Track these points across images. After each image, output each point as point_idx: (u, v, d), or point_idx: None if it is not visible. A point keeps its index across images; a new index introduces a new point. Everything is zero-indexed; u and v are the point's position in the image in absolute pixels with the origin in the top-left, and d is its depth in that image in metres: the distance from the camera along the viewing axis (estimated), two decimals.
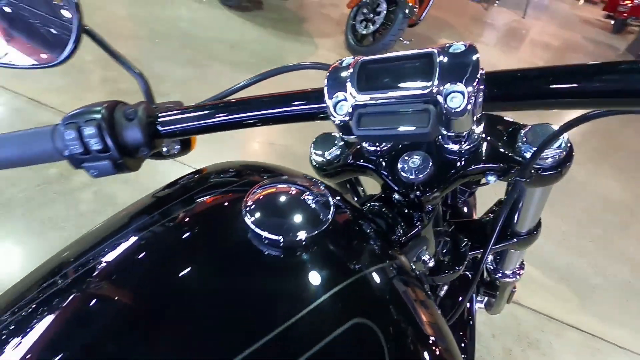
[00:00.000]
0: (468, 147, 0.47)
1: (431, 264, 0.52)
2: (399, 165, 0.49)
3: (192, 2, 3.60)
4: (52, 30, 0.44)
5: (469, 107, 0.31)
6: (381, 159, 0.52)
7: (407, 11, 3.36)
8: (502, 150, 0.47)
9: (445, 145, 0.48)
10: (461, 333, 0.85)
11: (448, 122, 0.32)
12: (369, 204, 0.53)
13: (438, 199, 0.52)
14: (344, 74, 0.35)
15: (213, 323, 0.28)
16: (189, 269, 0.32)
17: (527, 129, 0.46)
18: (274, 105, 0.42)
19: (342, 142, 0.57)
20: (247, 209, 0.35)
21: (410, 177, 0.48)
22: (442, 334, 0.37)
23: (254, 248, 0.33)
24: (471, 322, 0.87)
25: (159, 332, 0.28)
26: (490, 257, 0.83)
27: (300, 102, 0.41)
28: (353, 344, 0.30)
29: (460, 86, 0.30)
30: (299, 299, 0.31)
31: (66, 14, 0.42)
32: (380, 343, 0.30)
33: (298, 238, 0.33)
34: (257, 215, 0.34)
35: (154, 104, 0.46)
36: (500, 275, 0.83)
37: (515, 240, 0.65)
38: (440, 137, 0.48)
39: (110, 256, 0.35)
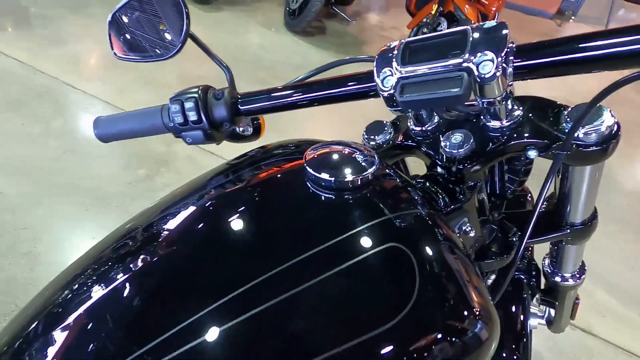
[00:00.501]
0: (509, 124, 0.49)
1: (472, 234, 0.54)
2: (442, 143, 0.52)
3: (262, 29, 3.95)
4: (167, 34, 0.59)
5: (498, 73, 0.36)
6: (426, 139, 0.56)
7: None
8: (543, 126, 0.48)
9: (487, 124, 0.50)
10: (513, 346, 0.79)
11: (481, 88, 0.38)
12: (414, 180, 0.57)
13: (480, 173, 0.54)
14: (390, 54, 0.43)
15: (289, 237, 0.39)
16: (268, 206, 0.43)
17: (570, 108, 0.46)
18: (331, 87, 0.52)
19: (392, 128, 0.61)
20: (308, 160, 0.44)
21: (453, 151, 0.50)
22: (471, 274, 0.43)
23: (314, 189, 0.42)
24: (525, 339, 0.80)
25: (253, 249, 0.39)
26: (547, 261, 0.79)
27: (353, 83, 0.51)
28: (388, 260, 0.38)
29: (489, 55, 0.36)
30: (345, 224, 0.39)
31: (176, 21, 0.57)
32: (413, 265, 0.38)
33: (346, 180, 0.41)
34: (315, 164, 0.43)
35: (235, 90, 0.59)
36: (559, 278, 0.77)
37: (568, 231, 0.63)
38: (482, 116, 0.50)
39: (203, 202, 0.47)
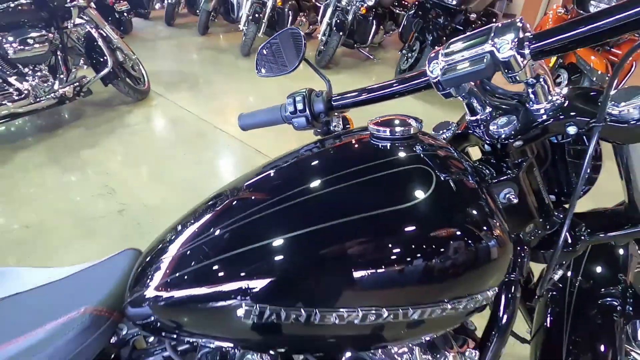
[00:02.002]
0: (550, 106, 0.55)
1: (515, 200, 0.60)
2: (491, 127, 0.59)
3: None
4: (288, 56, 0.89)
5: (514, 52, 0.47)
6: (479, 126, 0.62)
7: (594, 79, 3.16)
8: (581, 106, 0.53)
9: (530, 108, 0.56)
10: None
11: (504, 64, 0.49)
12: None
13: (525, 151, 0.60)
14: (435, 52, 0.58)
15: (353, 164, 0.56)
16: (345, 150, 0.62)
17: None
18: (395, 85, 0.73)
19: (455, 125, 0.69)
20: (372, 122, 0.60)
21: (498, 130, 0.57)
22: (490, 204, 0.55)
23: (375, 141, 0.59)
24: None
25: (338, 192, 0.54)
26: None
27: (411, 81, 0.70)
28: (414, 174, 0.54)
29: (507, 39, 0.48)
30: (388, 156, 0.56)
31: (294, 50, 0.87)
32: (432, 180, 0.53)
33: (398, 135, 0.58)
34: (376, 124, 0.59)
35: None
36: None
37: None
38: (526, 103, 0.57)
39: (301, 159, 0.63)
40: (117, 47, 3.26)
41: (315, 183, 0.55)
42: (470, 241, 0.52)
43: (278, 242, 0.51)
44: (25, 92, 2.73)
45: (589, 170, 0.62)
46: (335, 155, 0.62)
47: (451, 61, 0.54)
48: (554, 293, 0.80)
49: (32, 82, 2.77)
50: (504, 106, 0.60)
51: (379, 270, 0.49)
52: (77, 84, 3.03)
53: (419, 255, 0.50)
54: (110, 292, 0.58)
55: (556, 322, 0.77)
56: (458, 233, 0.51)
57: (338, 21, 4.32)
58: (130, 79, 3.46)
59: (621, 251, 0.83)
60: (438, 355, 0.62)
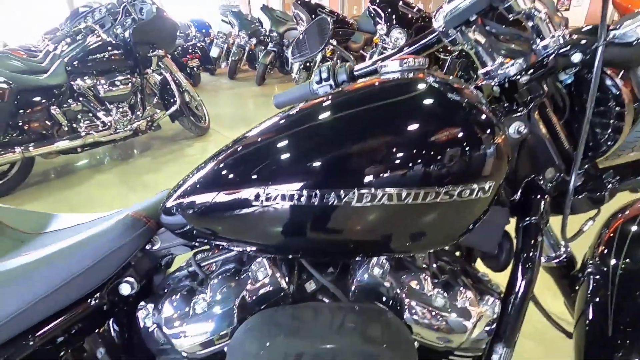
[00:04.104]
0: (554, 43, 0.57)
1: (525, 131, 0.61)
2: (500, 71, 0.61)
3: None
4: (316, 42, 1.07)
5: None
6: (493, 76, 0.64)
7: None
8: (584, 36, 0.56)
9: (537, 48, 0.59)
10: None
11: None
12: None
13: (537, 88, 0.61)
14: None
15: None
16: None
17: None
18: (411, 45, 0.78)
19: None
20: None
21: (505, 70, 0.60)
22: (491, 114, 0.54)
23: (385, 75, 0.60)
24: None
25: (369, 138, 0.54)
26: None
27: (422, 40, 0.76)
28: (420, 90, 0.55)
29: None
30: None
31: (318, 37, 1.04)
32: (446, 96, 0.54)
33: (406, 67, 0.59)
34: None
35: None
36: None
37: None
38: (532, 44, 0.59)
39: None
40: (185, 90, 3.76)
41: (331, 103, 0.58)
42: (464, 131, 0.53)
43: (296, 135, 0.56)
44: (108, 124, 3.23)
45: (613, 114, 0.61)
46: (349, 90, 0.62)
47: (452, 9, 0.60)
48: (597, 278, 0.75)
49: (115, 116, 3.28)
50: (511, 51, 0.62)
51: (372, 152, 0.53)
52: (150, 119, 3.51)
53: (413, 140, 0.52)
54: (152, 203, 0.72)
55: (600, 311, 0.71)
56: (452, 122, 0.53)
57: None
58: (194, 117, 3.93)
59: None
60: (457, 294, 0.64)
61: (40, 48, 4.45)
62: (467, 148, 0.52)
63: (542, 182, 0.68)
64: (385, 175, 0.52)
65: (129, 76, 3.36)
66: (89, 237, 0.69)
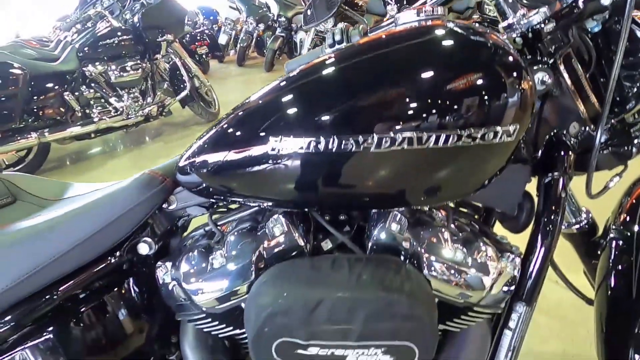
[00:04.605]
0: None
1: (549, 81, 0.60)
2: (522, 21, 0.60)
3: None
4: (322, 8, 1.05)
5: None
6: (515, 29, 0.63)
7: None
8: None
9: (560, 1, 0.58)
10: None
11: None
12: None
13: (561, 37, 0.60)
14: None
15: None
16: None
17: None
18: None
19: None
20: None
21: (529, 19, 0.59)
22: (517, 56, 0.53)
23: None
24: None
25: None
26: None
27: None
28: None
29: None
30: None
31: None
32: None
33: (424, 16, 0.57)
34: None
35: None
36: None
37: None
38: None
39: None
40: (195, 75, 3.76)
41: (346, 52, 0.58)
42: (488, 72, 0.51)
43: (311, 84, 0.56)
44: (121, 109, 3.26)
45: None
46: (365, 41, 0.61)
47: None
48: (620, 243, 0.74)
49: (127, 102, 3.30)
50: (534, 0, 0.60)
51: (392, 95, 0.52)
52: (161, 104, 3.53)
53: (434, 81, 0.51)
54: (168, 164, 0.73)
55: (623, 276, 0.70)
56: (476, 63, 0.52)
57: None
58: (204, 102, 3.94)
59: None
60: (476, 250, 0.63)
61: (51, 38, 4.49)
62: (491, 89, 0.50)
63: (565, 137, 0.66)
64: (406, 118, 0.51)
65: (139, 62, 3.37)
66: (106, 195, 0.70)
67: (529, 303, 0.65)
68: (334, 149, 0.53)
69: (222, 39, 6.81)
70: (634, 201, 0.76)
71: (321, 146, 0.52)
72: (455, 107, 0.50)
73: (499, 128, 0.51)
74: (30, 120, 2.88)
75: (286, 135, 0.54)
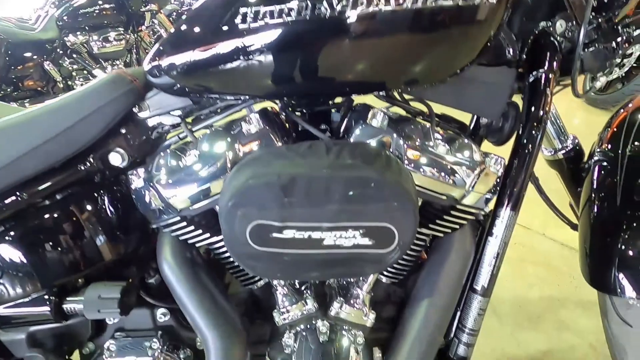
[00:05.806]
0: None
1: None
2: None
3: None
4: None
5: None
6: None
7: None
8: None
9: None
10: None
11: None
12: None
13: None
14: None
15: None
16: None
17: None
18: None
19: None
20: None
21: None
22: None
23: None
24: None
25: None
26: None
27: None
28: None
29: None
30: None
31: None
32: None
33: None
34: None
35: None
36: None
37: None
38: None
39: None
40: None
41: None
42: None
43: None
44: None
45: None
46: None
47: None
48: (604, 165, 0.72)
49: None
50: None
51: None
52: None
53: None
54: (138, 68, 0.69)
55: (607, 196, 0.69)
56: None
57: None
58: None
59: None
60: (460, 146, 0.62)
61: (31, 18, 4.35)
62: None
63: (552, 37, 0.65)
64: None
65: (122, 32, 3.27)
66: (74, 95, 0.67)
67: (514, 208, 0.65)
68: (307, 15, 0.50)
69: None
70: (620, 121, 0.76)
71: (294, 13, 0.50)
72: None
73: None
74: (9, 90, 2.80)
75: (256, 5, 0.51)
